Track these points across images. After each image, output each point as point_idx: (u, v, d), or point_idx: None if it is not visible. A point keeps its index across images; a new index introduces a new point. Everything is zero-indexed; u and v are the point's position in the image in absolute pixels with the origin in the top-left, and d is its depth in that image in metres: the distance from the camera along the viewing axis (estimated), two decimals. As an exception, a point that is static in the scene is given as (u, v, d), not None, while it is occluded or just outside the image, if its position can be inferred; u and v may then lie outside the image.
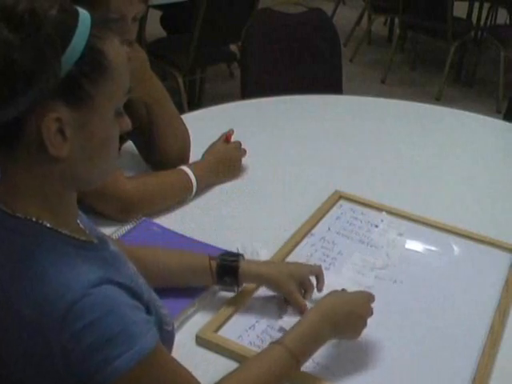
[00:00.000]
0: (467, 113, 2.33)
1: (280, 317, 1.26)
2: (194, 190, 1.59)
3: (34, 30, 0.78)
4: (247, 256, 1.40)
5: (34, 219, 0.85)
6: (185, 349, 1.14)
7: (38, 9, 0.79)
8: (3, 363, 0.87)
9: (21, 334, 0.83)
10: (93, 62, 0.82)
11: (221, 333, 1.21)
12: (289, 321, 1.24)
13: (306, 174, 1.82)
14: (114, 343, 0.81)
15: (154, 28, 4.14)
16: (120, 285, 0.86)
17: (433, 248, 1.53)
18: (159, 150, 1.63)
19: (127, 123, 0.93)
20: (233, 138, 1.76)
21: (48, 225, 0.86)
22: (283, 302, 1.29)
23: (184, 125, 1.68)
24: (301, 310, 1.24)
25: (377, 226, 1.57)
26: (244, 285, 1.28)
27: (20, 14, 0.78)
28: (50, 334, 0.80)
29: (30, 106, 0.79)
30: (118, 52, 0.86)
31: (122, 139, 1.73)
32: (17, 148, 0.83)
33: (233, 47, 3.95)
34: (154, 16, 4.05)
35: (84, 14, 0.84)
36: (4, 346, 0.86)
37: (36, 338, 0.81)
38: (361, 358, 1.20)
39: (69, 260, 0.85)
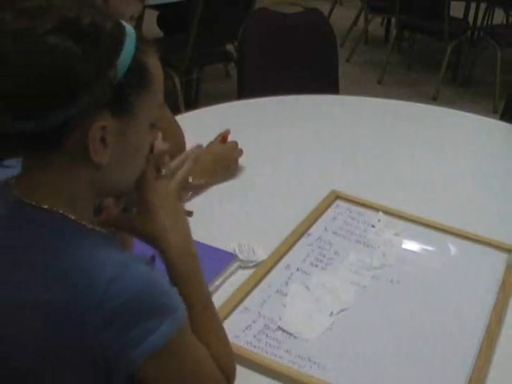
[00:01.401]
0: (464, 113, 2.34)
1: (278, 317, 1.26)
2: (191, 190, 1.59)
3: (95, 42, 0.82)
4: (244, 256, 1.41)
5: (60, 211, 0.87)
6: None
7: (99, 22, 0.83)
8: (23, 358, 0.88)
9: (50, 321, 0.84)
10: (138, 74, 0.86)
11: (217, 333, 1.21)
12: (286, 321, 1.25)
13: (303, 174, 1.82)
14: (151, 317, 0.84)
15: (151, 28, 4.13)
16: (147, 263, 0.89)
17: (429, 248, 1.53)
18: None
19: (156, 135, 0.97)
20: (229, 138, 1.76)
21: (73, 217, 0.88)
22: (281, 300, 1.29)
23: (178, 126, 1.68)
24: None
25: (373, 226, 1.57)
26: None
27: (85, 26, 0.82)
28: (83, 318, 0.82)
29: (82, 112, 0.82)
30: (158, 66, 0.90)
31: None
32: (57, 151, 0.85)
33: (229, 47, 3.95)
34: (151, 16, 4.05)
35: (129, 28, 0.87)
36: (24, 339, 0.86)
37: (67, 323, 0.83)
38: (358, 358, 1.20)
39: (96, 243, 0.88)
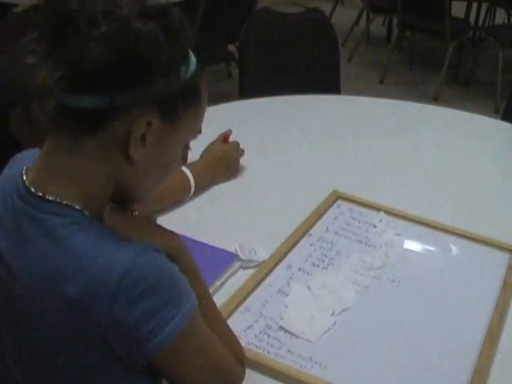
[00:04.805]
0: (465, 113, 2.33)
1: (280, 317, 1.26)
2: (192, 190, 1.59)
3: (177, 37, 0.86)
4: (245, 256, 1.41)
5: (77, 207, 0.87)
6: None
7: (183, 20, 0.88)
8: (47, 348, 0.90)
9: (66, 313, 0.85)
10: (192, 91, 0.90)
11: (219, 333, 1.21)
12: (288, 321, 1.25)
13: (304, 174, 1.82)
14: (166, 308, 0.86)
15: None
16: (158, 250, 0.90)
17: (431, 248, 1.53)
18: None
19: (186, 159, 0.99)
20: (231, 138, 1.76)
21: (86, 213, 0.88)
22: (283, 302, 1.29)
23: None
24: None
25: (375, 226, 1.57)
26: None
27: (173, 19, 0.86)
28: (98, 313, 0.83)
29: (139, 101, 0.84)
30: (206, 94, 0.94)
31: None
32: (95, 135, 0.85)
33: (231, 47, 3.95)
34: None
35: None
36: (48, 329, 0.88)
37: (83, 315, 0.84)
38: (358, 358, 1.20)
39: (107, 236, 0.88)
